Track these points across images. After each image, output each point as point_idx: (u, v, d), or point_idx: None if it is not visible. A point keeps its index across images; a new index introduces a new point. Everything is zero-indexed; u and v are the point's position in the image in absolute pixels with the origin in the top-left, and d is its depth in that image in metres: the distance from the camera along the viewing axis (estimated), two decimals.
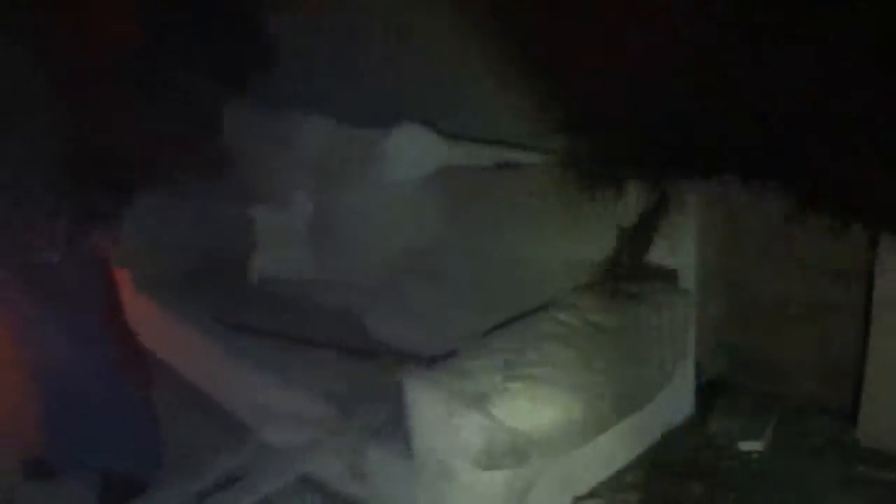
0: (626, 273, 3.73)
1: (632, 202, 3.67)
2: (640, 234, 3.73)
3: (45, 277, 3.59)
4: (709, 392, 4.17)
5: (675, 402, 4.02)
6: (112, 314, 3.99)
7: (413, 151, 4.28)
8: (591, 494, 3.69)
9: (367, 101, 4.69)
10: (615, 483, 3.77)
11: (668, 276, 3.86)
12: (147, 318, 4.91)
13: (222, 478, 3.86)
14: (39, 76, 3.51)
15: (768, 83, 3.01)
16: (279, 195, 4.80)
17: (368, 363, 4.00)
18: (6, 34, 3.47)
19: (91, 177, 3.70)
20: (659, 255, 3.84)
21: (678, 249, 3.84)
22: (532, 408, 3.20)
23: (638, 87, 3.29)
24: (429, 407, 3.29)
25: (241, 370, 4.33)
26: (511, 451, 3.16)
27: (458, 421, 3.18)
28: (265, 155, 4.96)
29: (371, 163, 4.38)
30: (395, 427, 3.47)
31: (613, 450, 3.76)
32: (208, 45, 5.63)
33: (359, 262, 4.38)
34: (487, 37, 3.99)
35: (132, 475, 4.04)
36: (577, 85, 3.69)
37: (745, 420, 3.99)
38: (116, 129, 4.62)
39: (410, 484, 3.46)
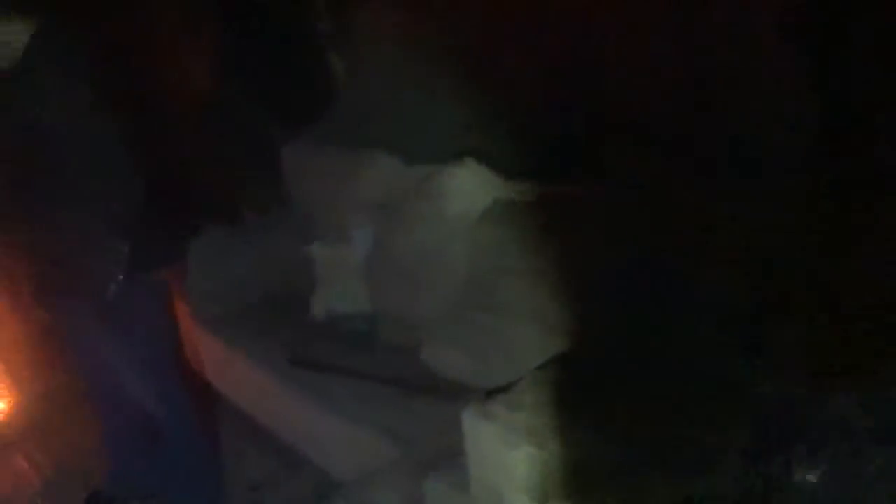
0: None
1: None
2: None
3: (112, 310, 3.66)
4: None
5: None
6: (175, 347, 4.06)
7: (469, 187, 4.30)
8: None
9: (425, 139, 4.74)
10: None
11: None
12: (209, 353, 5.02)
13: None
14: (111, 117, 3.60)
15: None
16: (339, 232, 4.83)
17: (428, 398, 4.03)
18: (83, 79, 3.57)
19: (156, 213, 3.76)
20: None
21: None
22: (583, 439, 3.20)
23: None
24: (485, 440, 3.30)
25: (303, 405, 4.38)
26: (566, 487, 3.15)
27: (514, 454, 3.19)
28: (326, 192, 5.01)
29: (429, 198, 4.41)
30: (453, 460, 3.48)
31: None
32: (270, 86, 5.75)
33: (419, 298, 4.39)
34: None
35: None
36: None
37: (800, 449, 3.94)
38: (182, 167, 4.73)
39: None
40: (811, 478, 3.35)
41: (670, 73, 3.91)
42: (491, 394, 3.51)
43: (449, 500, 3.60)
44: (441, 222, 4.32)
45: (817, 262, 3.35)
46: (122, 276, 3.64)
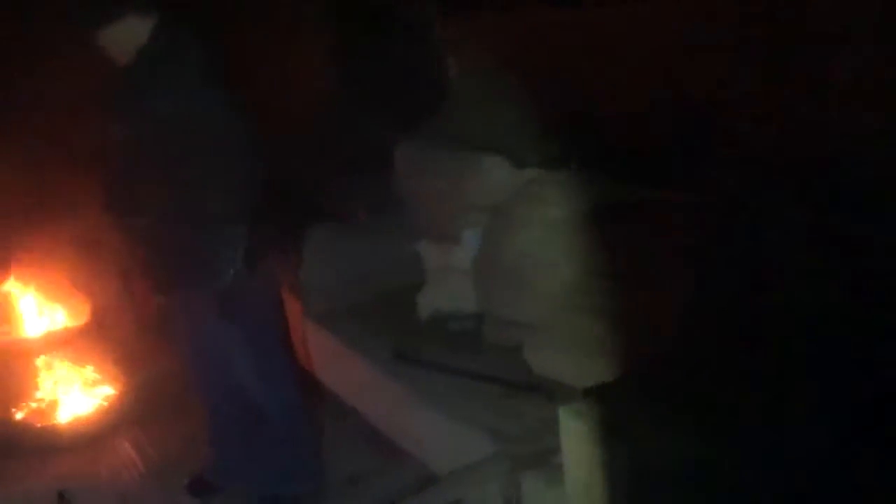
0: None
1: None
2: None
3: (226, 299, 3.80)
4: None
5: None
6: (284, 339, 4.18)
7: (572, 191, 4.36)
8: None
9: (531, 143, 4.82)
10: None
11: None
12: (315, 347, 5.15)
13: (379, 501, 4.02)
14: (232, 113, 3.72)
15: None
16: (448, 232, 4.92)
17: (528, 397, 4.11)
18: (204, 75, 3.70)
19: (272, 208, 3.87)
20: None
21: None
22: (674, 439, 3.23)
23: None
24: (580, 438, 3.36)
25: (405, 400, 4.48)
26: (657, 483, 3.19)
27: (608, 453, 3.25)
28: (436, 192, 5.11)
29: (534, 202, 4.48)
30: (550, 458, 3.54)
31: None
32: (386, 87, 5.88)
33: (522, 299, 4.46)
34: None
35: (292, 497, 4.23)
36: None
37: None
38: (298, 164, 4.88)
39: None
40: None
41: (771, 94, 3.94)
42: (588, 393, 3.57)
43: (544, 497, 3.67)
44: (545, 225, 4.37)
45: None
46: (238, 267, 3.76)
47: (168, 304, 4.10)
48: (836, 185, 3.65)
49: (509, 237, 4.59)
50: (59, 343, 5.54)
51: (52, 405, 5.37)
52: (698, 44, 4.23)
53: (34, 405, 5.36)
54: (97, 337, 5.66)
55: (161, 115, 3.60)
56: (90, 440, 5.06)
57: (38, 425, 5.26)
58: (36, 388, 5.40)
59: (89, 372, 5.57)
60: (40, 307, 5.73)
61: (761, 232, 3.70)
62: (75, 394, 5.45)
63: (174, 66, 3.67)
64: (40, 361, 5.43)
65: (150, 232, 3.76)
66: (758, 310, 3.56)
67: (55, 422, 5.30)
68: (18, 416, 5.31)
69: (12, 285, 5.65)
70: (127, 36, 3.66)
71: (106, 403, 5.43)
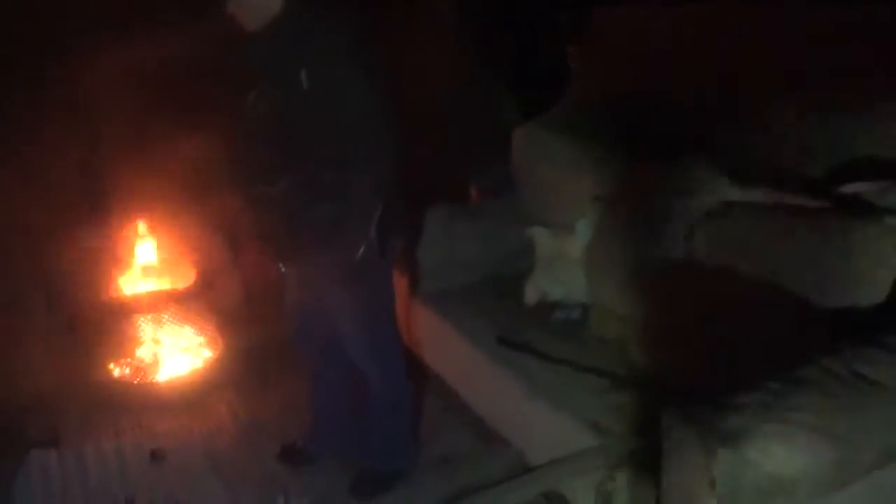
0: None
1: None
2: None
3: (353, 273, 3.83)
4: None
5: None
6: (393, 316, 4.22)
7: (693, 185, 4.31)
8: None
9: (653, 135, 4.78)
10: None
11: None
12: (421, 327, 5.18)
13: (472, 485, 4.02)
14: (382, 98, 3.75)
15: None
16: (561, 220, 4.90)
17: (632, 393, 4.08)
18: (361, 62, 3.72)
19: (401, 187, 3.90)
20: None
21: None
22: (785, 452, 3.17)
23: None
24: (681, 440, 3.32)
25: (507, 385, 4.50)
26: (758, 493, 3.15)
27: (708, 457, 3.21)
28: (552, 179, 5.10)
29: (651, 194, 4.44)
30: (650, 458, 3.51)
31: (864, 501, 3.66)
32: (508, 72, 5.89)
33: (629, 291, 4.43)
34: None
35: (385, 471, 4.26)
36: None
37: None
38: (425, 145, 4.90)
39: None
40: None
41: None
42: (692, 394, 3.53)
43: (641, 496, 3.64)
44: (660, 219, 4.33)
45: None
46: (370, 242, 3.80)
47: (287, 272, 4.13)
48: None
49: (623, 229, 4.55)
50: (163, 303, 5.63)
51: (151, 364, 5.47)
52: None
53: (133, 363, 5.45)
54: (202, 300, 5.73)
55: (304, 87, 3.63)
56: (186, 401, 5.15)
57: (136, 383, 5.36)
58: (136, 346, 5.49)
59: (191, 334, 5.65)
60: (148, 266, 5.82)
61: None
62: (175, 354, 5.54)
63: (322, 39, 3.69)
64: (143, 320, 5.51)
65: (283, 201, 3.80)
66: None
67: (152, 380, 5.40)
68: (116, 372, 5.40)
69: (123, 242, 5.75)
70: (260, 2, 3.70)
71: (204, 366, 5.50)
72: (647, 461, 3.55)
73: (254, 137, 3.85)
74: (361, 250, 3.77)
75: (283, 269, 4.13)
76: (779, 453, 3.16)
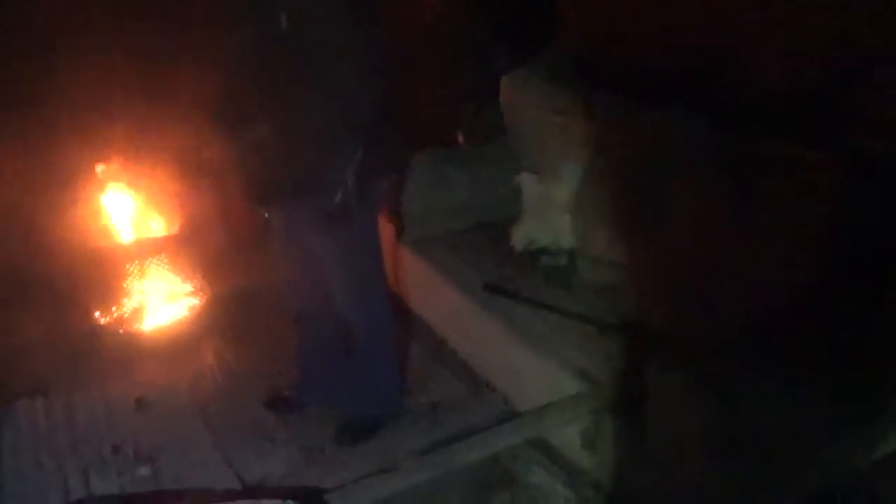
0: None
1: None
2: None
3: (335, 217, 3.83)
4: None
5: None
6: (379, 264, 4.22)
7: (682, 134, 4.31)
8: None
9: (646, 83, 4.77)
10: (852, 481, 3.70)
11: None
12: (408, 274, 5.20)
13: (459, 431, 4.06)
14: (367, 41, 3.73)
15: None
16: (549, 165, 4.91)
17: (620, 339, 4.10)
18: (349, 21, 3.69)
19: (383, 129, 3.88)
20: None
21: None
22: (769, 397, 3.21)
23: None
24: (668, 386, 3.36)
25: (494, 332, 4.53)
26: (747, 443, 3.18)
27: (694, 403, 3.25)
28: (540, 125, 5.09)
29: (640, 142, 4.44)
30: (637, 405, 3.54)
31: (855, 451, 3.69)
32: (498, 17, 5.86)
33: (619, 238, 4.44)
34: None
35: (375, 419, 4.29)
36: None
37: None
38: (410, 88, 4.89)
39: (640, 462, 3.56)
40: None
41: None
42: (678, 342, 3.56)
43: (626, 442, 3.68)
44: (650, 167, 4.33)
45: None
46: (350, 187, 3.79)
47: (270, 217, 4.13)
48: None
49: (611, 176, 4.56)
50: (148, 251, 5.64)
51: (137, 312, 5.48)
52: None
53: (119, 311, 5.47)
54: (188, 247, 5.74)
55: (284, 28, 3.61)
56: (172, 349, 5.15)
57: (122, 331, 5.38)
58: (122, 294, 5.50)
59: (177, 282, 5.66)
60: (133, 214, 5.82)
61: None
62: (161, 302, 5.56)
63: None
64: (128, 268, 5.52)
65: (262, 144, 3.78)
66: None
67: (139, 329, 5.42)
68: (103, 321, 5.42)
69: (107, 190, 5.74)
70: None
71: (191, 314, 5.53)
72: (633, 407, 3.56)
73: (234, 81, 3.83)
74: (339, 195, 3.77)
75: (266, 216, 4.13)
76: (765, 402, 3.20)
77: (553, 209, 4.88)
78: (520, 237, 5.02)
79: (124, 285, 5.52)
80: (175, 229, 5.83)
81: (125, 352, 5.11)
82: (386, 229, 4.72)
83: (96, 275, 5.47)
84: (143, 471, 4.08)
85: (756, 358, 3.35)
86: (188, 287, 5.68)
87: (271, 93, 3.68)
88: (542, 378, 4.18)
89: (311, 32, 3.58)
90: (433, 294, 5.14)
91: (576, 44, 5.55)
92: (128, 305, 5.50)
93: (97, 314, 5.40)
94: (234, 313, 5.43)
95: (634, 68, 5.01)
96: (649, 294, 4.20)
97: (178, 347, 5.15)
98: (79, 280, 5.38)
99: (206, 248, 5.75)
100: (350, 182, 3.75)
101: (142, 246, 5.68)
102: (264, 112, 3.72)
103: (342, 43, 3.61)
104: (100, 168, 5.69)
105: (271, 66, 3.65)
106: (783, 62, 4.39)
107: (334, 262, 4.01)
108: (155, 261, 5.62)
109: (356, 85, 3.65)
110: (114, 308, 5.47)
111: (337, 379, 4.34)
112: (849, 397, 3.31)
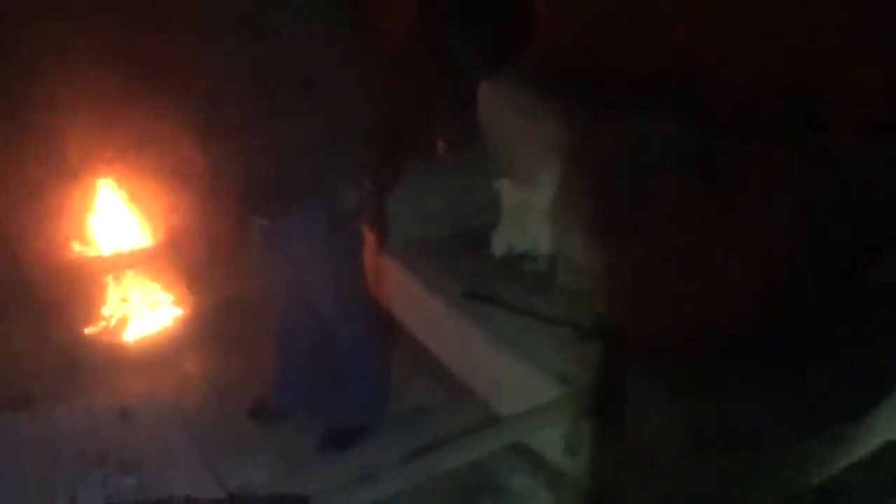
0: None
1: None
2: None
3: (311, 227, 3.86)
4: None
5: None
6: (362, 273, 4.24)
7: (660, 137, 4.33)
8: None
9: (619, 88, 4.79)
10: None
11: None
12: (390, 281, 5.22)
13: (441, 437, 4.09)
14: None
15: None
16: (527, 172, 4.93)
17: (598, 344, 4.12)
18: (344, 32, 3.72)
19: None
20: None
21: None
22: (750, 402, 3.24)
23: None
24: (645, 391, 3.39)
25: (474, 338, 4.53)
26: (724, 445, 3.21)
27: (672, 407, 3.27)
28: (518, 132, 5.11)
29: (615, 147, 4.46)
30: (615, 409, 3.57)
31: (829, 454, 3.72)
32: (473, 25, 5.88)
33: (596, 243, 4.46)
34: None
35: (352, 426, 4.31)
36: None
37: None
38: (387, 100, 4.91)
39: (619, 465, 3.58)
40: None
41: None
42: (655, 345, 3.58)
43: (606, 445, 3.71)
44: (626, 171, 4.35)
45: None
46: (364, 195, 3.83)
47: (257, 227, 4.12)
48: None
49: (586, 181, 4.58)
50: (130, 262, 5.65)
51: (120, 323, 5.49)
52: None
53: (102, 323, 5.48)
54: (170, 258, 5.75)
55: (285, 40, 3.62)
56: (155, 360, 5.17)
57: (105, 342, 5.38)
58: (105, 305, 5.51)
59: (159, 293, 5.68)
60: (116, 224, 5.83)
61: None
62: (143, 313, 5.57)
63: None
64: (111, 279, 5.53)
65: (262, 149, 3.77)
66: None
67: (121, 340, 5.42)
68: (86, 332, 5.42)
69: (91, 200, 5.75)
70: None
71: (173, 324, 5.54)
72: (612, 411, 3.58)
73: (222, 89, 3.83)
74: (355, 198, 3.80)
75: (260, 223, 4.12)
76: (742, 405, 3.22)
77: (532, 215, 4.89)
78: (499, 243, 5.04)
79: (108, 296, 5.52)
80: (158, 239, 5.84)
81: (109, 362, 5.11)
82: (367, 238, 4.72)
83: (79, 286, 5.46)
84: (129, 481, 4.09)
85: (733, 360, 3.39)
86: (171, 297, 5.68)
87: (270, 102, 3.69)
88: (522, 383, 4.20)
89: (312, 46, 3.60)
90: (413, 301, 5.15)
91: (551, 49, 5.57)
92: (111, 316, 5.49)
93: (81, 325, 5.39)
94: (217, 323, 5.44)
95: (609, 73, 5.03)
96: (626, 298, 4.21)
97: (161, 357, 5.18)
98: (62, 291, 5.38)
99: (189, 257, 5.76)
100: (367, 185, 3.78)
101: (125, 256, 5.69)
102: (263, 119, 3.72)
103: (342, 53, 3.64)
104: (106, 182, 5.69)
105: (271, 76, 3.66)
106: (754, 65, 4.42)
107: (323, 270, 4.03)
108: (138, 271, 5.63)
109: (354, 95, 3.68)
110: (97, 319, 5.47)
111: (320, 388, 4.36)
112: (826, 398, 3.34)
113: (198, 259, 5.77)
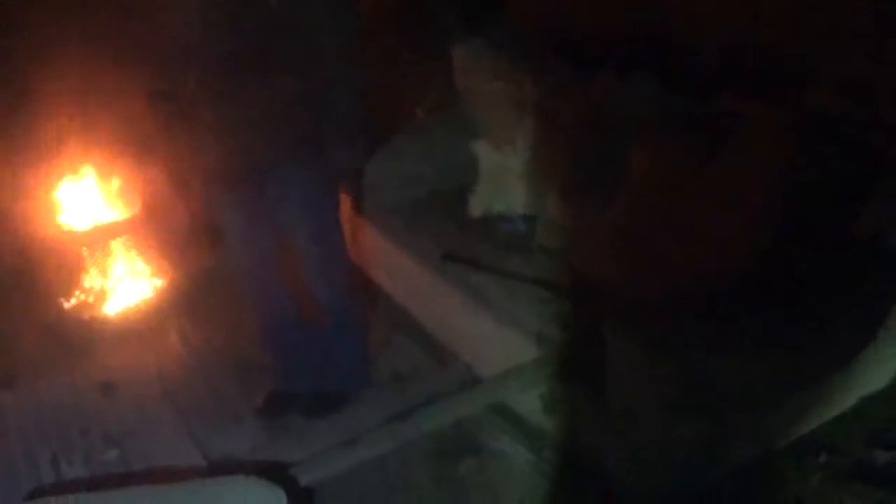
0: None
1: None
2: None
3: (287, 195, 3.85)
4: None
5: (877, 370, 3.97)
6: (340, 238, 4.19)
7: (634, 97, 4.34)
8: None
9: (594, 48, 4.79)
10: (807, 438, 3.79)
11: None
12: (368, 245, 5.21)
13: (422, 399, 4.10)
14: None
15: None
16: (504, 133, 4.92)
17: (576, 304, 4.14)
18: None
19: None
20: None
21: None
22: (726, 360, 3.25)
23: None
24: (624, 349, 3.40)
25: (453, 300, 4.56)
26: (703, 401, 3.22)
27: (651, 366, 3.28)
28: (493, 93, 5.09)
29: (591, 106, 4.46)
30: (594, 367, 3.58)
31: (810, 409, 3.76)
32: None
33: (574, 202, 4.47)
34: None
35: (340, 394, 4.32)
36: None
37: None
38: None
39: (598, 423, 3.61)
40: None
41: None
42: (634, 303, 3.59)
43: (584, 404, 3.73)
44: (602, 130, 4.35)
45: None
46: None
47: (234, 196, 4.03)
48: None
49: (563, 141, 4.57)
50: (109, 234, 5.64)
51: (100, 297, 5.49)
52: None
53: (82, 296, 5.48)
54: (148, 229, 5.74)
55: (273, 6, 3.56)
56: (137, 332, 5.15)
57: (86, 316, 5.37)
58: (84, 279, 5.50)
59: (138, 264, 5.67)
60: (93, 197, 5.81)
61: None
62: (123, 286, 5.56)
63: None
64: (89, 252, 5.52)
65: (264, 108, 3.70)
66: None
67: (102, 313, 5.42)
68: (66, 306, 5.42)
69: (67, 175, 5.73)
70: None
71: (155, 295, 5.54)
72: (591, 370, 3.60)
73: (203, 52, 3.74)
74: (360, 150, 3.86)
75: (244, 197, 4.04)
76: (720, 361, 3.24)
77: (509, 176, 4.89)
78: (477, 204, 5.03)
79: (87, 269, 5.51)
80: (136, 211, 5.82)
81: (90, 336, 5.10)
82: (343, 202, 4.70)
83: (58, 260, 5.45)
84: (112, 454, 4.10)
85: (711, 318, 3.41)
86: (151, 268, 5.67)
87: (258, 56, 3.62)
88: (501, 344, 4.23)
89: (302, 13, 3.56)
90: (392, 264, 5.16)
91: (527, 11, 5.55)
92: (91, 289, 5.49)
93: (61, 299, 5.39)
94: (197, 293, 5.43)
95: (586, 34, 5.02)
96: (605, 256, 4.22)
97: (142, 330, 5.15)
98: (41, 266, 5.37)
99: (167, 228, 5.75)
100: (361, 144, 3.86)
101: (103, 229, 5.68)
102: (253, 74, 3.65)
103: (331, 24, 3.61)
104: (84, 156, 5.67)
105: (258, 41, 3.59)
106: (737, 26, 4.42)
107: (307, 235, 3.99)
108: (117, 243, 5.62)
109: (348, 54, 3.65)
110: (77, 292, 5.46)
111: (302, 354, 4.34)
112: (803, 356, 3.36)
113: (175, 229, 5.76)
